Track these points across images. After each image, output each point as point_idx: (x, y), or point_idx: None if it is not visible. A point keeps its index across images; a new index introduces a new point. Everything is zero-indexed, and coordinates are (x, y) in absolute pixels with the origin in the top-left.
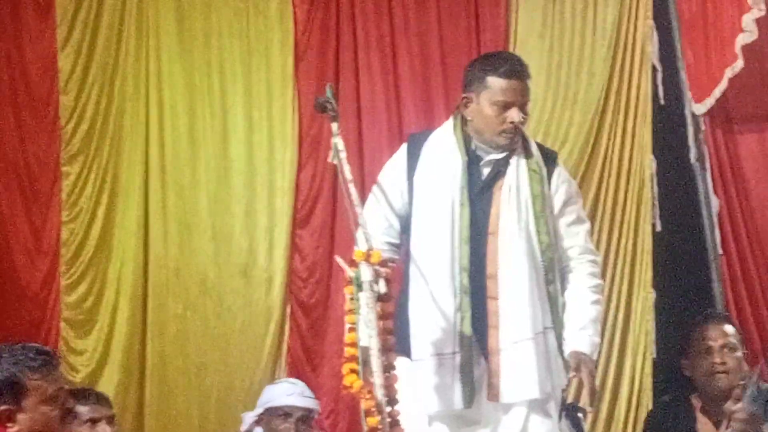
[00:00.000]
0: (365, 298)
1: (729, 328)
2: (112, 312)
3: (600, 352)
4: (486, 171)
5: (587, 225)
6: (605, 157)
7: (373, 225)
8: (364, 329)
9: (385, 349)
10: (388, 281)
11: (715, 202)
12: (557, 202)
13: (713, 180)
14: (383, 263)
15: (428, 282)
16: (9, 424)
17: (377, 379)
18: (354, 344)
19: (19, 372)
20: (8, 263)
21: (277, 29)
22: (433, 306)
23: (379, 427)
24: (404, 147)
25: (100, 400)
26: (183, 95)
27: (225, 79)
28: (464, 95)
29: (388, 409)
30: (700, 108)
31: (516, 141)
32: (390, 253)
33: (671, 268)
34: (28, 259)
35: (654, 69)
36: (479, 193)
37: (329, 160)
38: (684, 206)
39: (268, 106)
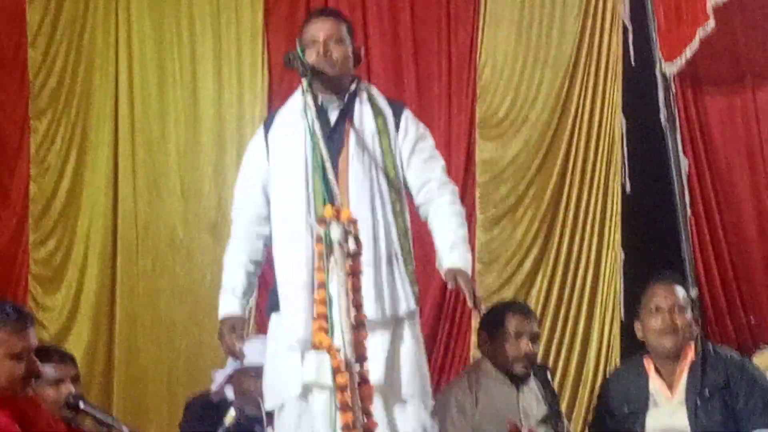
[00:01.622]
0: (336, 256)
1: (679, 289)
2: (81, 268)
3: (568, 312)
4: (333, 117)
5: (442, 162)
6: (575, 117)
7: (246, 204)
8: (334, 286)
9: (354, 306)
10: (356, 239)
11: (684, 163)
12: (409, 141)
13: (683, 141)
14: (352, 221)
15: (288, 228)
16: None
17: (346, 336)
18: (323, 301)
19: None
20: None
21: None
22: (293, 247)
23: (348, 384)
24: (261, 127)
25: (65, 359)
26: (152, 50)
27: (194, 33)
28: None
29: (357, 367)
30: (671, 67)
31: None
32: (258, 226)
33: (640, 229)
34: None
35: (625, 29)
36: (329, 138)
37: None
38: (654, 167)
39: (237, 61)
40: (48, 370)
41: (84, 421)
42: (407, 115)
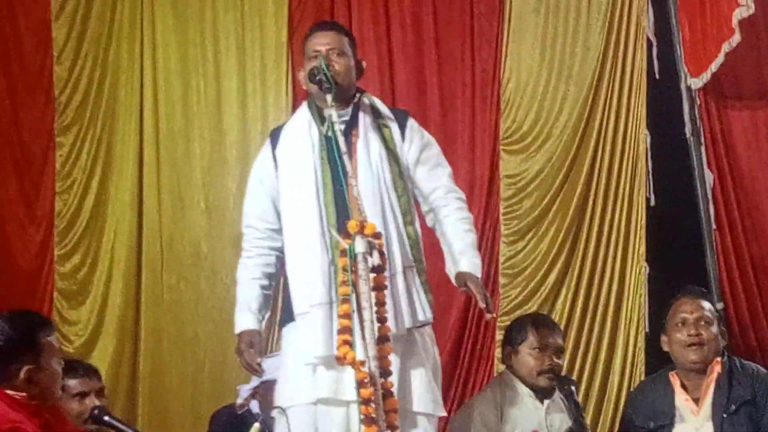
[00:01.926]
0: (361, 270)
1: (705, 303)
2: (105, 283)
3: (593, 324)
4: (340, 129)
5: (449, 169)
6: (600, 131)
7: (257, 209)
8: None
9: (379, 320)
10: (381, 253)
11: (709, 177)
12: (414, 149)
13: (708, 155)
14: (376, 235)
15: (301, 243)
16: (32, 384)
17: (370, 350)
18: (347, 315)
19: (33, 331)
20: (1, 234)
21: (271, 4)
22: (309, 263)
23: (372, 398)
24: (267, 143)
25: (89, 372)
26: (177, 66)
27: (219, 50)
28: (300, 73)
29: (381, 380)
30: (697, 82)
31: (325, 85)
32: (270, 240)
33: (665, 242)
34: (20, 230)
35: (649, 43)
36: (336, 150)
37: (323, 132)
38: (678, 180)
39: (262, 77)
40: (72, 383)
41: None
42: (411, 124)
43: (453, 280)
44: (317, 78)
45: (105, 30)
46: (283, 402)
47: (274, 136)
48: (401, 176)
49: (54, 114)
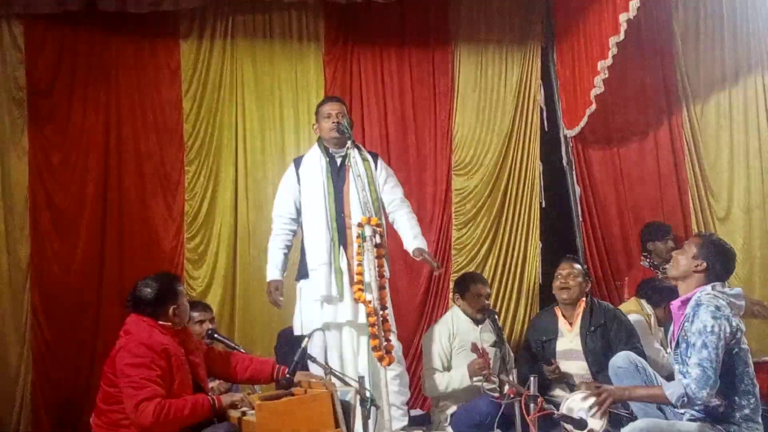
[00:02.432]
0: (367, 245)
1: (572, 264)
2: (215, 254)
3: (508, 279)
4: (339, 161)
5: (402, 189)
6: (512, 162)
7: (284, 206)
8: (367, 264)
9: (379, 276)
10: (381, 236)
11: (577, 190)
12: (383, 176)
13: (576, 176)
14: (378, 225)
15: (314, 228)
16: (175, 317)
17: (374, 293)
18: (361, 273)
19: (172, 283)
20: (152, 226)
21: (314, 84)
22: (318, 239)
23: (375, 323)
24: (292, 164)
25: (205, 308)
26: (257, 125)
27: (282, 115)
28: (314, 126)
29: (381, 312)
30: (571, 132)
31: (346, 134)
32: (290, 225)
33: (551, 229)
34: (163, 223)
35: (541, 109)
36: (337, 173)
37: (345, 163)
38: (559, 192)
39: (309, 131)
40: (195, 314)
41: (218, 345)
42: (380, 161)
43: (411, 253)
44: (341, 129)
45: (214, 103)
46: (302, 330)
47: (297, 161)
48: (375, 192)
49: (184, 152)
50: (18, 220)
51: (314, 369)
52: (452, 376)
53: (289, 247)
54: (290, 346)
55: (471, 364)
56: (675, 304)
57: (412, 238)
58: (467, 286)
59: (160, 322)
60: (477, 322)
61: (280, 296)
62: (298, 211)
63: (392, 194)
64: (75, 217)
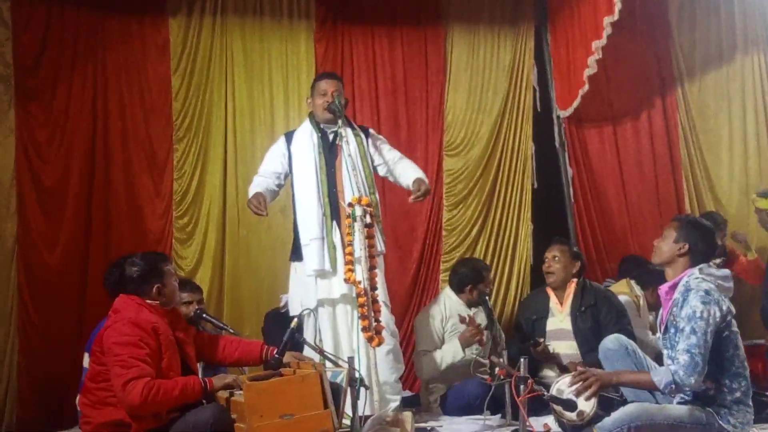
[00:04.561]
0: (357, 225)
1: (559, 247)
2: (204, 233)
3: (499, 259)
4: (331, 137)
5: (398, 151)
6: (504, 143)
7: (271, 165)
8: (357, 244)
9: (369, 256)
10: (371, 215)
11: (570, 171)
12: (376, 143)
13: (569, 157)
14: (368, 204)
15: (306, 203)
16: (160, 296)
17: (364, 273)
18: (351, 253)
19: (158, 262)
20: (138, 205)
21: (305, 62)
22: (310, 214)
23: (365, 303)
24: (282, 137)
25: (194, 288)
26: (247, 103)
27: (272, 92)
28: (308, 100)
29: (371, 292)
30: (564, 113)
31: (337, 113)
32: (276, 178)
33: (543, 211)
34: (150, 201)
35: (534, 89)
36: (329, 150)
37: (336, 141)
38: (551, 173)
39: (298, 108)
40: (183, 295)
41: (206, 325)
42: (372, 132)
43: (411, 184)
44: (332, 108)
45: (203, 81)
46: (298, 308)
47: (288, 137)
48: (368, 165)
49: (172, 131)
50: (4, 198)
51: (307, 351)
52: (444, 350)
53: (271, 190)
54: (278, 327)
55: (462, 335)
56: (663, 288)
57: (414, 172)
58: (482, 276)
59: (148, 302)
60: (470, 304)
61: (263, 205)
62: (281, 177)
63: (390, 153)
64: (61, 196)
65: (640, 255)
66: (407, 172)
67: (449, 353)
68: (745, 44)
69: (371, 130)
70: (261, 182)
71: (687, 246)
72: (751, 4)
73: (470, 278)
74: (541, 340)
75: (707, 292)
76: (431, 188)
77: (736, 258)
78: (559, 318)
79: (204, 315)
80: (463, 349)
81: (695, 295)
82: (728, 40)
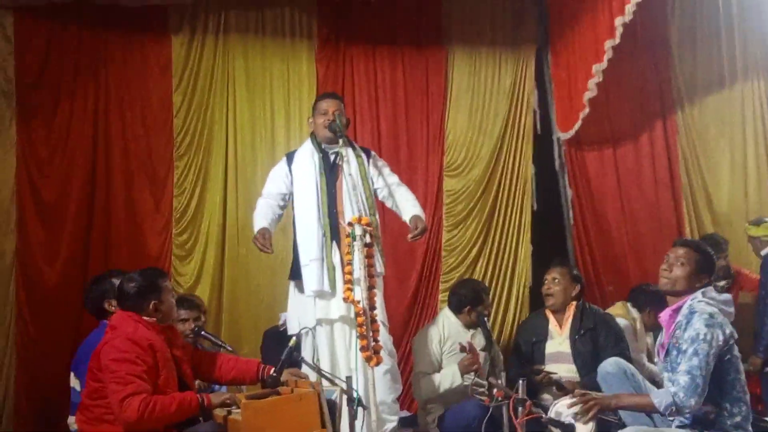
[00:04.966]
0: (357, 245)
1: (559, 269)
2: (203, 251)
3: (498, 280)
4: (332, 157)
5: (397, 177)
6: (504, 164)
7: (274, 186)
8: (356, 264)
9: (368, 276)
10: (371, 235)
11: (569, 193)
12: (377, 168)
13: (569, 178)
14: (368, 224)
15: (306, 224)
16: (157, 312)
17: (363, 294)
18: (350, 273)
19: (155, 278)
20: (138, 221)
21: (306, 82)
22: (310, 235)
23: (364, 323)
24: (284, 158)
25: (192, 306)
26: (248, 122)
27: (273, 111)
28: (309, 120)
29: (369, 312)
30: (565, 135)
31: (338, 133)
32: (279, 200)
33: (542, 232)
34: (150, 218)
35: (534, 111)
36: (330, 170)
37: (337, 162)
38: (551, 194)
39: (300, 127)
40: (180, 311)
41: (204, 343)
42: (374, 155)
43: (408, 221)
44: (333, 128)
45: (205, 98)
46: (296, 328)
47: (290, 157)
48: (369, 187)
49: (173, 148)
50: (3, 213)
51: (305, 370)
52: (443, 375)
53: (275, 215)
54: (277, 346)
55: (461, 362)
56: (666, 313)
57: (411, 207)
58: (481, 298)
59: (145, 318)
60: (468, 326)
61: (269, 243)
62: (286, 198)
63: (388, 179)
64: (61, 212)
65: (640, 278)
66: (405, 206)
67: (447, 378)
68: (745, 69)
69: (373, 153)
70: (265, 208)
71: (689, 269)
72: (752, 29)
73: (469, 300)
74: (543, 368)
75: (711, 316)
76: (432, 208)
77: (743, 277)
78: (558, 341)
79: (202, 332)
80: (462, 376)
81: (699, 318)
82: (729, 65)
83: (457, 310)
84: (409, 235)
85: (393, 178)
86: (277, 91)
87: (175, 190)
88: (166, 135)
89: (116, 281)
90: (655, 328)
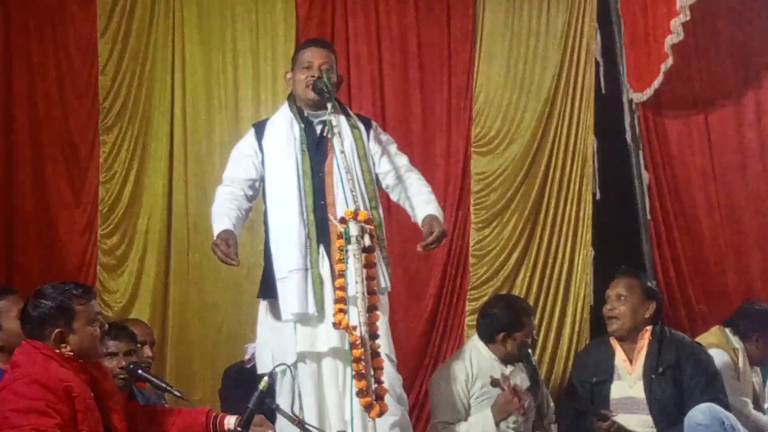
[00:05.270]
0: (352, 249)
1: (627, 281)
2: (140, 258)
3: (546, 298)
4: (318, 129)
5: (406, 157)
6: (554, 137)
7: (239, 169)
8: (351, 276)
9: (368, 293)
10: (371, 236)
11: (645, 176)
12: (380, 144)
13: (645, 157)
14: (368, 221)
15: (284, 220)
16: (63, 344)
17: (361, 317)
18: (342, 288)
19: (67, 299)
20: (50, 218)
21: (282, 24)
22: (289, 236)
23: (363, 357)
24: (251, 130)
25: (123, 335)
26: (202, 77)
27: (237, 64)
28: (287, 75)
29: (369, 342)
30: (640, 97)
31: (326, 95)
32: (248, 188)
33: (608, 231)
34: (68, 213)
35: (597, 63)
36: (316, 147)
37: (324, 133)
38: (619, 179)
39: (273, 88)
40: (108, 343)
41: (146, 386)
42: (375, 126)
43: (420, 223)
44: (319, 88)
45: (142, 47)
46: (268, 366)
47: (259, 128)
48: (369, 170)
49: (98, 117)
50: None
51: (282, 422)
52: (471, 423)
53: (241, 208)
54: (242, 389)
55: (495, 403)
56: None
57: (424, 202)
58: (520, 321)
59: (60, 351)
60: (505, 359)
61: (234, 252)
62: (256, 185)
63: (394, 162)
64: None
65: (742, 293)
66: (417, 201)
67: (477, 427)
68: None
69: (374, 123)
70: (228, 201)
71: None
72: None
73: (504, 323)
74: (611, 413)
75: None
76: (456, 199)
77: None
78: (628, 382)
79: (139, 371)
80: (497, 423)
81: None
82: None
83: (488, 338)
84: (421, 244)
85: (401, 160)
86: (242, 37)
87: (102, 174)
88: (89, 98)
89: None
90: (764, 362)
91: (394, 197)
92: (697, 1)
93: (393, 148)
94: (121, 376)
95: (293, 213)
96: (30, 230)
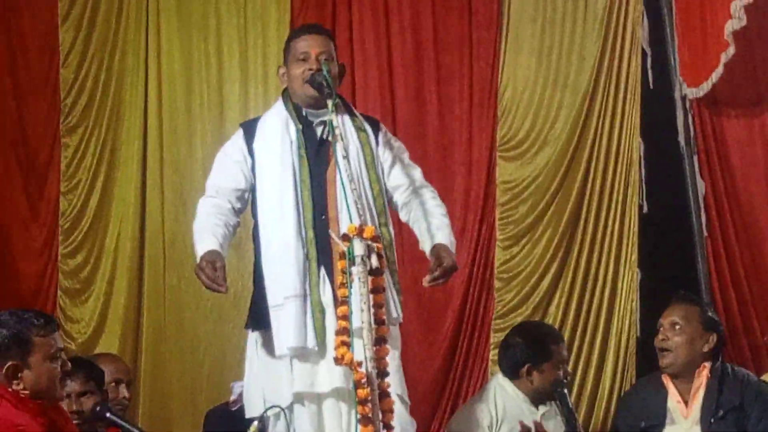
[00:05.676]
0: (357, 272)
1: (683, 308)
2: (108, 281)
3: (585, 328)
4: (319, 130)
5: (420, 169)
6: (594, 139)
7: (226, 177)
8: (356, 303)
9: (377, 323)
10: (379, 256)
11: (701, 185)
12: (390, 152)
13: (701, 163)
14: (375, 238)
15: (278, 237)
16: (15, 381)
17: (368, 351)
18: (346, 317)
19: (25, 329)
20: (4, 234)
21: (274, 8)
22: (285, 257)
23: (369, 398)
24: (239, 131)
25: (90, 372)
26: (181, 70)
27: (222, 55)
28: (280, 71)
29: (377, 381)
30: (696, 92)
31: (326, 91)
32: (236, 200)
33: (657, 249)
34: (23, 229)
35: (644, 52)
36: (316, 151)
37: (324, 136)
38: (671, 188)
39: (264, 82)
40: (70, 383)
41: None
42: (385, 131)
43: (428, 253)
44: (318, 82)
45: (111, 34)
46: (259, 409)
47: (249, 129)
48: (377, 180)
49: (59, 116)
50: None
51: None
52: None
53: (228, 224)
54: None
55: None
56: None
57: (435, 228)
58: (547, 349)
59: (13, 389)
60: (536, 399)
61: (222, 277)
62: (245, 196)
63: (406, 176)
64: None
65: None
66: (426, 225)
67: None
68: None
69: (383, 126)
70: (212, 216)
71: None
72: None
73: (526, 353)
74: None
75: None
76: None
77: None
78: (684, 427)
79: (107, 415)
80: None
81: None
82: None
83: (511, 373)
84: (426, 278)
85: (415, 173)
86: (228, 23)
87: (63, 184)
88: (49, 94)
89: None
90: None
91: (403, 217)
92: None
93: (406, 157)
94: (80, 421)
95: (289, 229)
96: None
